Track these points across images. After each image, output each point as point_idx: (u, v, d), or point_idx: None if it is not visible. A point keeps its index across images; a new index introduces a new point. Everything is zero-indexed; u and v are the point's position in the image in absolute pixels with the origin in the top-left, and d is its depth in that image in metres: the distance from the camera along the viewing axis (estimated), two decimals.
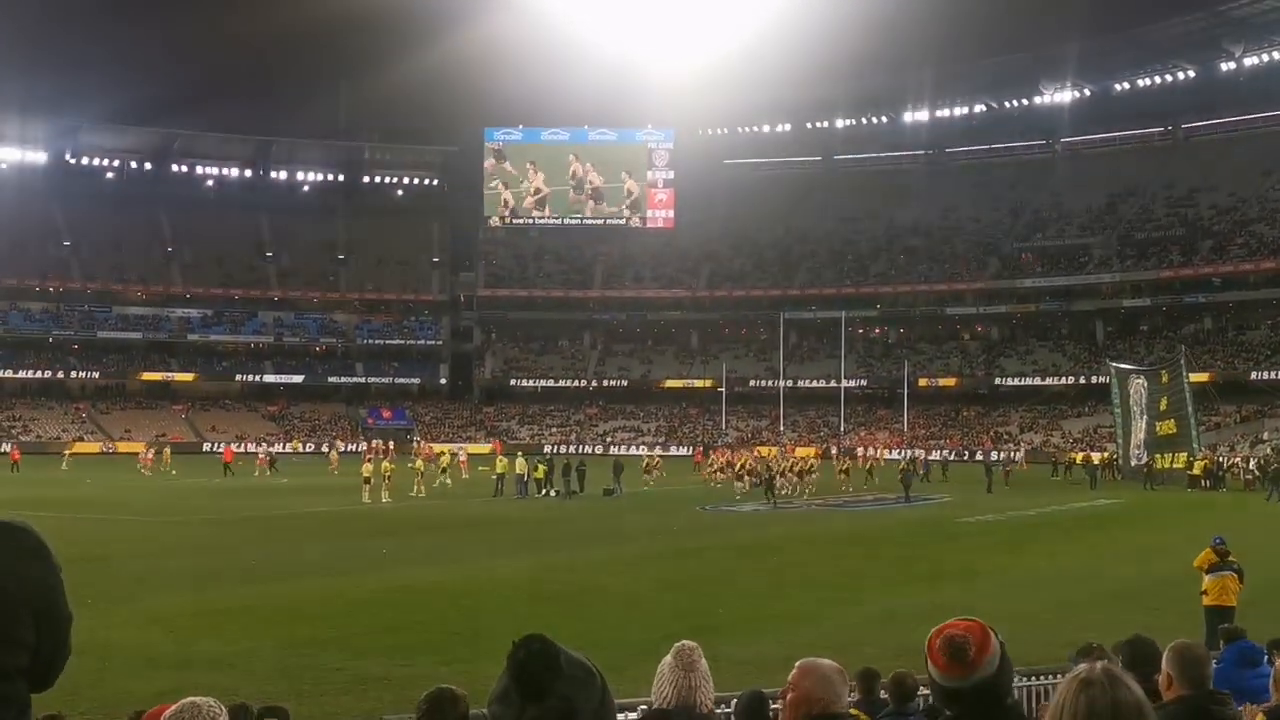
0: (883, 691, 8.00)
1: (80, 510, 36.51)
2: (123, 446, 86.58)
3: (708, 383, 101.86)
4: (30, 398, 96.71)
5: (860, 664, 8.73)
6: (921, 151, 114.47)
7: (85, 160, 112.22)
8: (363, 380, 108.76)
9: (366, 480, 44.13)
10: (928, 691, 8.79)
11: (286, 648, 16.36)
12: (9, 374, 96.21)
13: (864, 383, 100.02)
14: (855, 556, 27.91)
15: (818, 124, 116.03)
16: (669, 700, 3.88)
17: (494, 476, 47.80)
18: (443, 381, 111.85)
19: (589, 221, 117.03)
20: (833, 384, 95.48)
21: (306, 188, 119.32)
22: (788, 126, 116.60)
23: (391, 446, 71.08)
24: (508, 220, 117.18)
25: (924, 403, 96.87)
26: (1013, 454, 76.41)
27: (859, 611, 19.84)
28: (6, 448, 72.83)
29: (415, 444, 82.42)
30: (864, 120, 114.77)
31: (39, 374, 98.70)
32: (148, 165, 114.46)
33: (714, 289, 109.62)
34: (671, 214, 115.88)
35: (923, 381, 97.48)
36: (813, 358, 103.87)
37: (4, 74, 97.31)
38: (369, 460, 48.61)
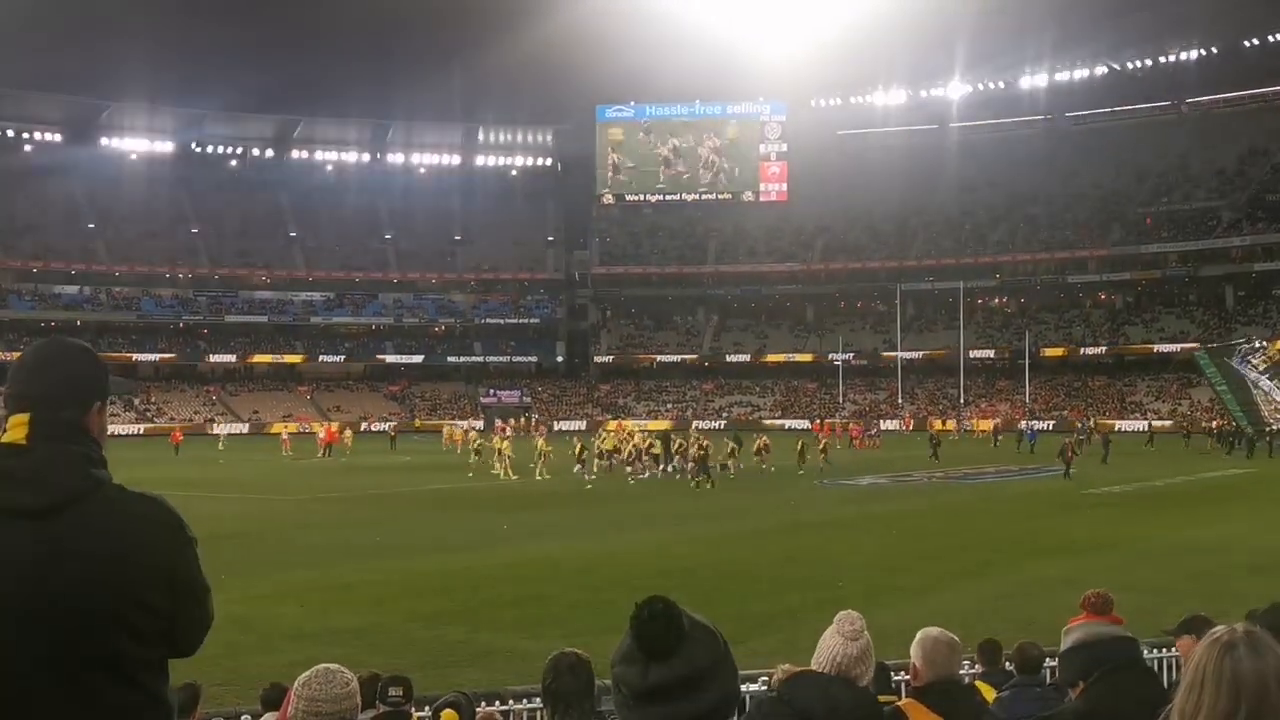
0: (1007, 663, 7.88)
1: (217, 490, 37.57)
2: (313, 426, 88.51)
3: (823, 357, 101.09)
4: (163, 380, 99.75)
5: (985, 637, 8.61)
6: (1040, 117, 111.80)
7: (210, 149, 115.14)
8: (481, 359, 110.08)
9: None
10: (1054, 664, 8.64)
11: (412, 621, 16.67)
12: (143, 358, 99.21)
13: (985, 354, 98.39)
14: (978, 529, 27.50)
15: (933, 91, 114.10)
16: (823, 667, 3.85)
17: (598, 454, 47.75)
18: (559, 359, 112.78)
19: (702, 197, 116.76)
20: (952, 355, 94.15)
21: (423, 170, 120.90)
22: (902, 95, 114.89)
23: (510, 425, 71.92)
24: (625, 197, 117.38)
25: (1046, 373, 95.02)
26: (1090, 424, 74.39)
27: (983, 585, 19.56)
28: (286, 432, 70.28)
29: (515, 423, 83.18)
30: (980, 86, 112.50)
31: (171, 357, 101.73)
32: (269, 152, 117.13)
33: (829, 262, 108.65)
34: (784, 187, 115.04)
35: (1045, 351, 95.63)
36: (930, 329, 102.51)
37: (133, 67, 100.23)
38: (495, 438, 49.75)
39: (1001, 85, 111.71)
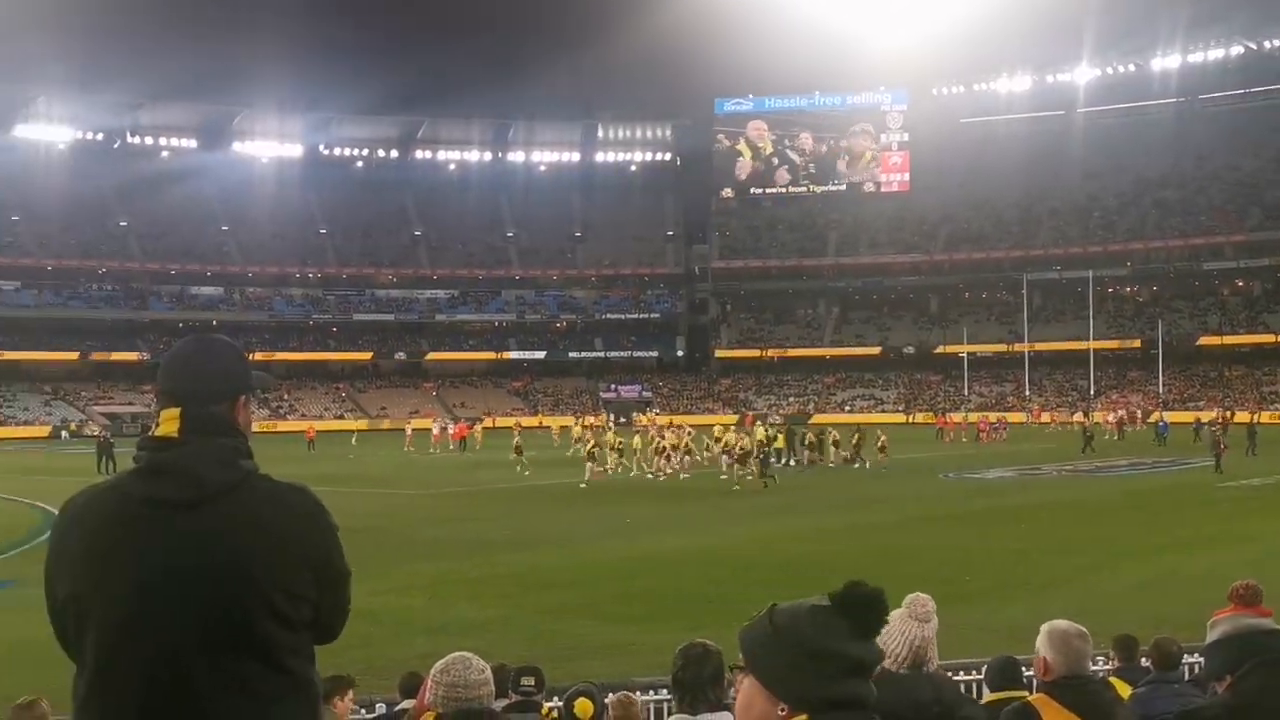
0: (1144, 659, 7.72)
1: (346, 485, 38.35)
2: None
3: (947, 349, 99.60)
4: (295, 379, 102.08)
5: (1119, 632, 8.44)
6: (1172, 100, 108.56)
7: (337, 151, 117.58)
8: (602, 355, 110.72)
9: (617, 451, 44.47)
10: (1194, 660, 8.43)
11: (537, 613, 16.86)
12: (275, 356, 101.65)
13: (1116, 344, 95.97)
14: (1108, 523, 26.88)
15: (1059, 76, 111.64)
16: (901, 657, 3.82)
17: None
18: (679, 354, 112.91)
19: (821, 188, 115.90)
20: (1080, 346, 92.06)
21: (543, 168, 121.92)
22: (1027, 81, 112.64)
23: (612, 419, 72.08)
24: (745, 190, 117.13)
25: (1181, 363, 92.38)
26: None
27: (1114, 579, 19.13)
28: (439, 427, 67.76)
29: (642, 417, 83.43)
30: (1109, 70, 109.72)
31: (302, 355, 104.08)
32: (394, 153, 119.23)
33: (952, 252, 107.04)
34: (906, 177, 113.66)
35: (1178, 341, 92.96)
36: (1058, 320, 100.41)
37: (263, 73, 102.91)
38: (609, 433, 49.61)
39: (1131, 68, 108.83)
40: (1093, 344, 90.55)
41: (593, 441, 42.77)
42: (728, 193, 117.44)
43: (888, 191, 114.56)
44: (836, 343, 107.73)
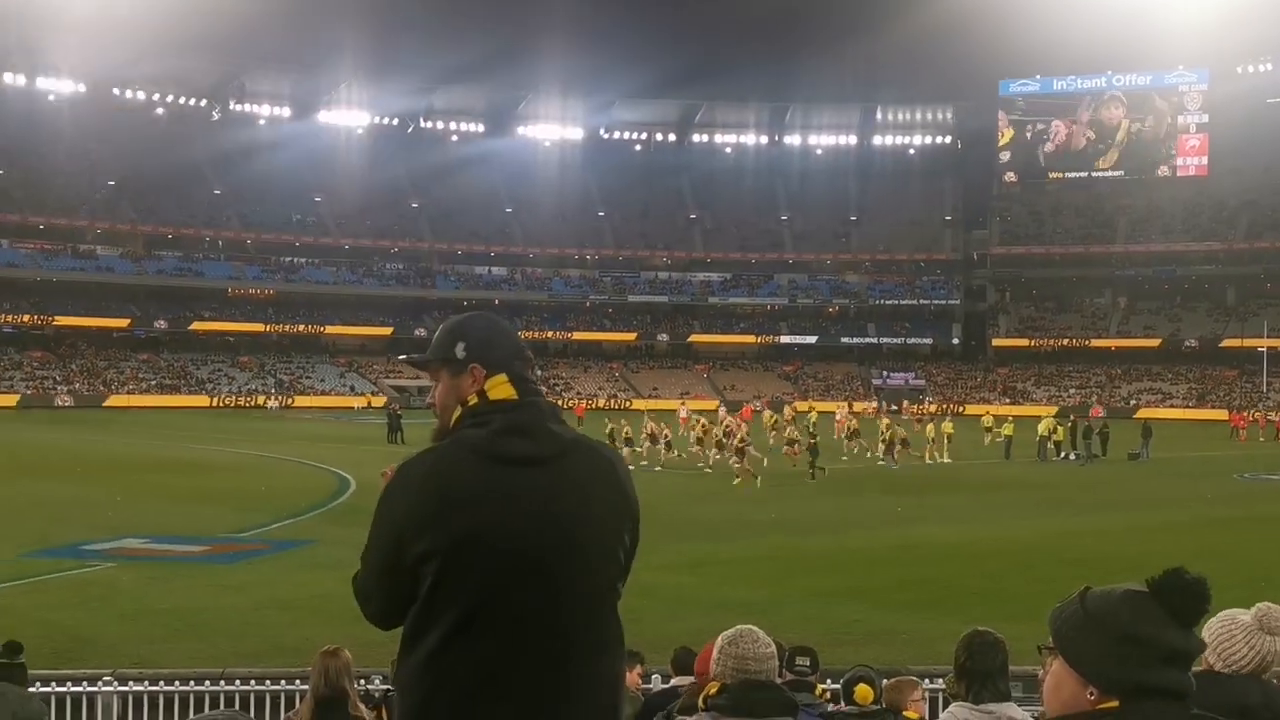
0: None
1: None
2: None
3: (1246, 342, 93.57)
4: (570, 358, 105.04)
5: None
6: None
7: (617, 134, 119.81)
8: (874, 341, 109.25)
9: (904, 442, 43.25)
10: None
11: (808, 597, 16.88)
12: (552, 335, 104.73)
13: None
14: None
15: None
16: (1243, 668, 3.63)
17: (1001, 439, 46.43)
18: (955, 341, 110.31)
19: (1112, 172, 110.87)
20: None
21: (819, 151, 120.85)
22: None
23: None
24: (1028, 174, 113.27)
25: None
26: None
27: None
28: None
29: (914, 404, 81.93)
30: None
31: (575, 335, 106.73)
32: (671, 136, 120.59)
33: (1254, 240, 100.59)
34: (1204, 160, 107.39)
35: None
36: None
37: (547, 57, 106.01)
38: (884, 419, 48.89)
39: None
40: None
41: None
42: (1010, 176, 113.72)
43: (1184, 175, 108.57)
44: (1123, 333, 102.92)
